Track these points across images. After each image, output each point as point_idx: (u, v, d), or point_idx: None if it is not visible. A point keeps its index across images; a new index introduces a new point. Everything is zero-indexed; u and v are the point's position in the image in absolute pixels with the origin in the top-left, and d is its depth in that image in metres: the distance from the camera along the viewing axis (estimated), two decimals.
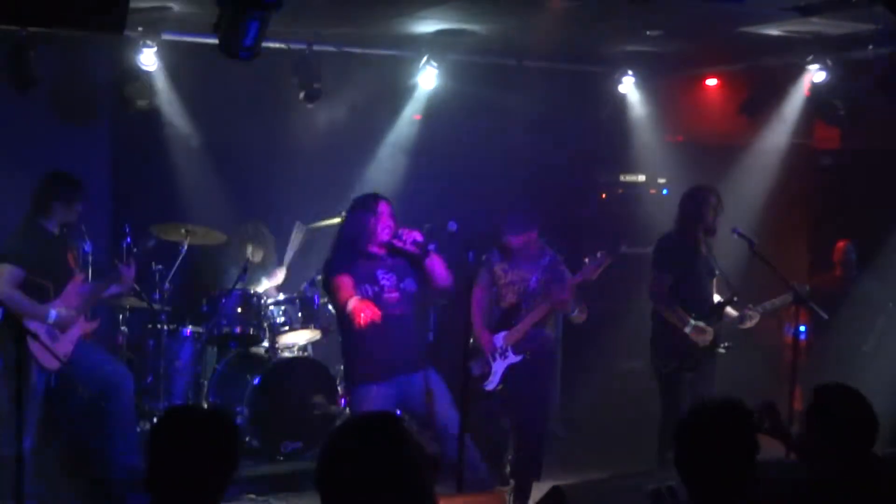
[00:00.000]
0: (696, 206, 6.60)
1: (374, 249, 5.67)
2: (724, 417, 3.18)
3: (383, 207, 5.68)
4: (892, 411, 7.14)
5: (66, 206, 6.12)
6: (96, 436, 6.66)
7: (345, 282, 5.58)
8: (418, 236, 5.63)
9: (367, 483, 2.44)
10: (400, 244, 5.63)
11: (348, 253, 5.68)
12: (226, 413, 3.04)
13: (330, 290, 5.73)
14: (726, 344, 6.63)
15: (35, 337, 5.30)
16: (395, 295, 5.65)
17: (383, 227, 5.64)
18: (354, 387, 5.76)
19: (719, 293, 6.73)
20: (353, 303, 5.47)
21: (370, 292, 5.58)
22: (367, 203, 5.70)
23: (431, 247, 5.64)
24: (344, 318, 5.60)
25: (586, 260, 6.35)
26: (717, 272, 6.70)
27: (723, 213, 6.62)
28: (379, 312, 5.43)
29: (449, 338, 7.27)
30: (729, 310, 6.64)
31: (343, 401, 7.36)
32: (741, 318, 6.63)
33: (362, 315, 5.38)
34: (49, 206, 6.08)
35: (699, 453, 3.15)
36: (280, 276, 8.09)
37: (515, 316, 6.44)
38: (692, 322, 6.46)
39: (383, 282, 5.64)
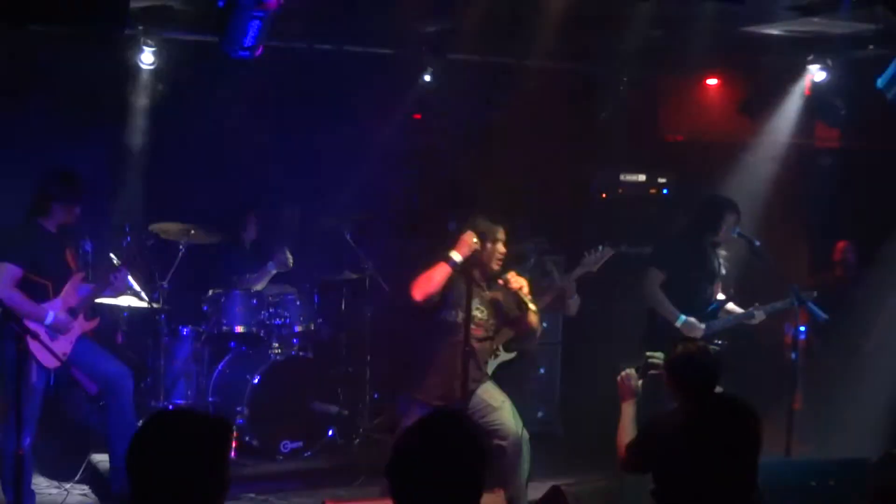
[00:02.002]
0: (713, 219, 6.56)
1: (478, 278, 5.67)
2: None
3: (496, 244, 5.67)
4: (892, 410, 7.19)
5: (65, 207, 6.08)
6: (96, 435, 6.65)
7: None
8: (522, 288, 5.61)
9: (442, 473, 2.65)
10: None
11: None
12: (217, 420, 2.80)
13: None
14: (719, 341, 6.62)
15: (35, 335, 5.30)
16: (478, 330, 5.67)
17: (488, 263, 5.64)
18: (403, 394, 5.83)
19: (724, 294, 6.72)
20: None
21: (455, 317, 5.58)
22: (488, 230, 5.67)
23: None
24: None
25: (586, 253, 6.37)
26: (722, 273, 6.68)
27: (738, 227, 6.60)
28: None
29: None
30: (732, 306, 6.63)
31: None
32: (747, 315, 6.62)
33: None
34: (49, 206, 6.06)
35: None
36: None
37: None
38: (683, 316, 6.47)
39: (474, 311, 5.62)
